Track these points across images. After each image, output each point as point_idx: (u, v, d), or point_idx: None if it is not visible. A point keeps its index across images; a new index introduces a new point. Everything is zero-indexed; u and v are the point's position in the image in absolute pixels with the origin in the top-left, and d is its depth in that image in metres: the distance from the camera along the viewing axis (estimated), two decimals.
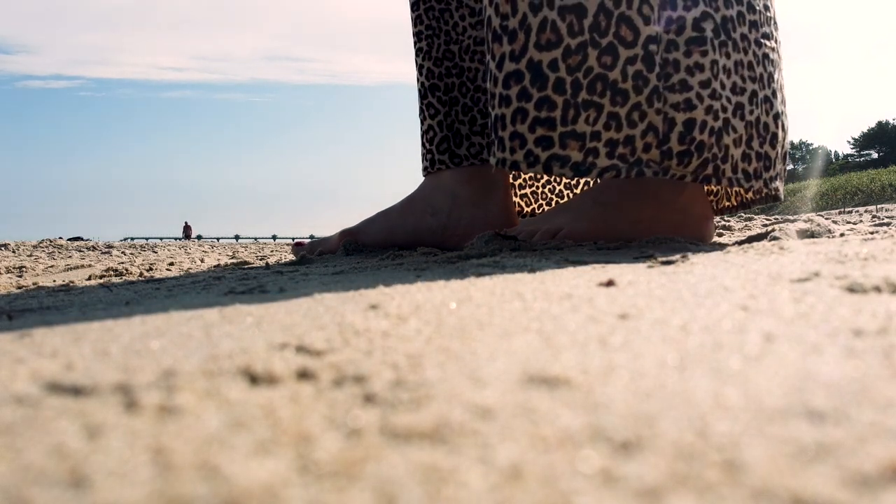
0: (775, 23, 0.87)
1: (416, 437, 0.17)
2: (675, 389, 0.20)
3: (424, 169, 1.09)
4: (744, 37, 0.81)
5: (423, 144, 1.09)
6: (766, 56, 0.83)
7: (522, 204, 1.20)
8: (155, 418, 0.19)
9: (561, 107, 0.76)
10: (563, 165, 0.76)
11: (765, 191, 0.85)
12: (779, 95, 0.85)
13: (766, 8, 0.84)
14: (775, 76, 0.84)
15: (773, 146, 0.83)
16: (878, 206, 4.69)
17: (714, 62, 0.78)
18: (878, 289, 0.35)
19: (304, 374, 0.23)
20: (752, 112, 0.81)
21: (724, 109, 0.78)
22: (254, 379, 0.23)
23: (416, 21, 1.08)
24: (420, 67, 1.08)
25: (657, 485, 0.14)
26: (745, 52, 0.81)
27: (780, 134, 0.84)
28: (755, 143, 0.81)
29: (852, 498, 0.13)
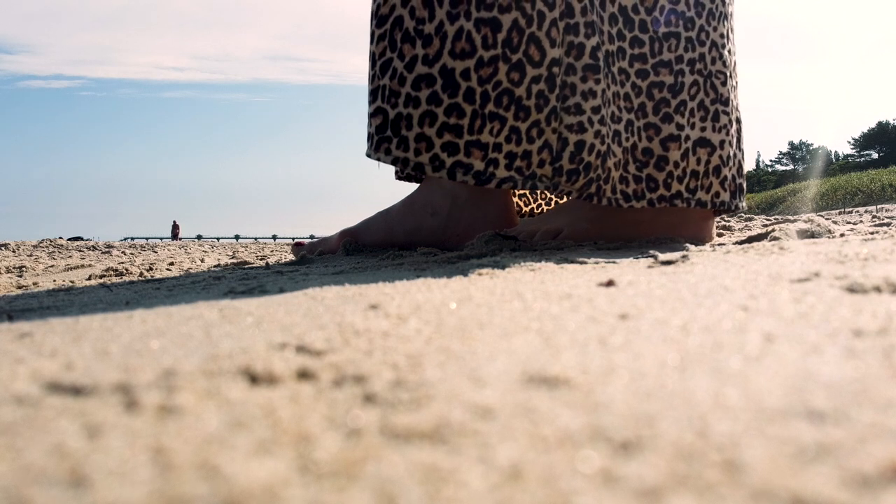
0: (700, 42, 0.89)
1: (416, 437, 0.17)
2: (675, 389, 0.20)
3: (396, 174, 1.11)
4: (622, 70, 0.86)
5: None
6: (656, 84, 0.87)
7: (521, 203, 1.20)
8: (155, 418, 0.19)
9: (469, 115, 0.79)
10: (465, 172, 0.79)
11: (658, 207, 0.89)
12: (678, 118, 0.88)
13: (671, 35, 0.87)
14: (674, 101, 0.87)
15: (661, 168, 0.87)
16: (879, 207, 4.69)
17: (604, 90, 0.82)
18: (878, 289, 0.35)
19: (304, 374, 0.23)
20: (627, 139, 0.86)
21: (608, 135, 0.83)
22: (254, 379, 0.23)
23: None
24: None
25: (657, 485, 0.14)
26: (622, 85, 0.86)
27: (675, 155, 0.87)
28: (632, 168, 0.86)
29: (852, 498, 0.13)
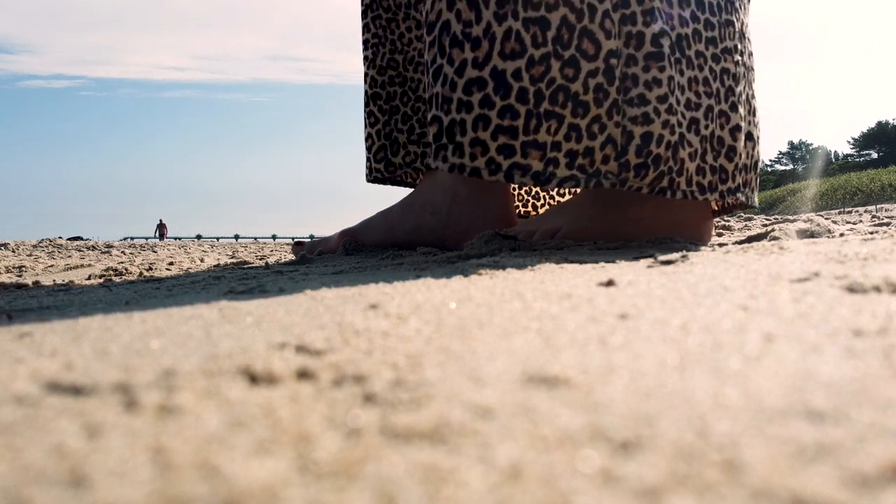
0: (743, 35, 0.88)
1: (416, 436, 0.17)
2: (675, 389, 0.20)
3: (366, 176, 1.13)
4: (699, 54, 0.83)
5: (365, 152, 1.13)
6: (725, 71, 0.85)
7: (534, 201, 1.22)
8: (155, 418, 0.19)
9: (524, 116, 0.77)
10: (524, 174, 0.77)
11: (726, 201, 0.88)
12: (740, 108, 0.86)
13: (729, 23, 0.86)
14: (736, 90, 0.86)
15: (731, 159, 0.85)
16: (878, 206, 4.69)
17: (671, 78, 0.79)
18: (878, 289, 0.35)
19: (303, 374, 0.23)
20: (707, 127, 0.83)
21: (680, 124, 0.80)
22: (254, 379, 0.23)
23: (364, 29, 1.10)
24: (365, 76, 1.12)
25: (657, 485, 0.14)
26: (701, 69, 0.83)
27: (740, 146, 0.86)
28: (709, 157, 0.83)
29: (852, 498, 0.13)
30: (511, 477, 0.15)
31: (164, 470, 0.15)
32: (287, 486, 0.14)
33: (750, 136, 0.88)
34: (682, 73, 0.81)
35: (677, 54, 0.80)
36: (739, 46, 0.87)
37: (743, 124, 0.86)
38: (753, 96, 0.90)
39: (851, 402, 0.19)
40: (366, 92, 1.11)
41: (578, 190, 1.20)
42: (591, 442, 0.17)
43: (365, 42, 1.10)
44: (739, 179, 0.86)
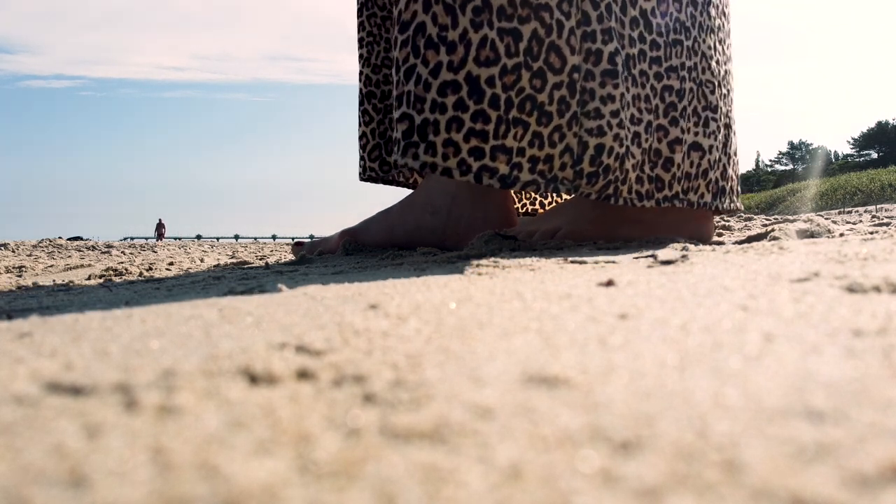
0: (695, 52, 0.93)
1: (416, 436, 0.17)
2: (675, 389, 0.20)
3: (359, 175, 1.14)
4: (642, 72, 0.88)
5: (358, 151, 1.14)
6: (667, 88, 0.90)
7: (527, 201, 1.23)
8: (155, 418, 0.19)
9: (494, 121, 0.80)
10: (491, 176, 0.81)
11: (662, 207, 0.92)
12: (682, 122, 0.91)
13: (677, 43, 0.90)
14: (679, 105, 0.91)
15: (668, 169, 0.90)
16: (878, 206, 4.69)
17: (622, 94, 0.84)
18: (877, 289, 0.35)
19: (303, 374, 0.23)
20: (646, 140, 0.88)
21: (627, 137, 0.85)
22: (253, 379, 0.23)
23: (359, 28, 1.11)
24: (360, 74, 1.14)
25: (657, 485, 0.14)
26: (643, 87, 0.88)
27: (679, 157, 0.91)
28: (647, 168, 0.89)
29: (852, 498, 0.13)
30: (511, 477, 0.15)
31: (163, 470, 0.15)
32: (287, 486, 0.14)
33: (697, 147, 0.93)
34: (628, 90, 0.86)
35: (626, 72, 0.85)
36: (689, 63, 0.92)
37: (687, 136, 0.91)
38: (708, 108, 0.94)
39: (851, 402, 0.19)
40: (360, 90, 1.13)
41: None
42: (591, 442, 0.17)
43: (360, 40, 1.11)
44: (678, 187, 0.91)
